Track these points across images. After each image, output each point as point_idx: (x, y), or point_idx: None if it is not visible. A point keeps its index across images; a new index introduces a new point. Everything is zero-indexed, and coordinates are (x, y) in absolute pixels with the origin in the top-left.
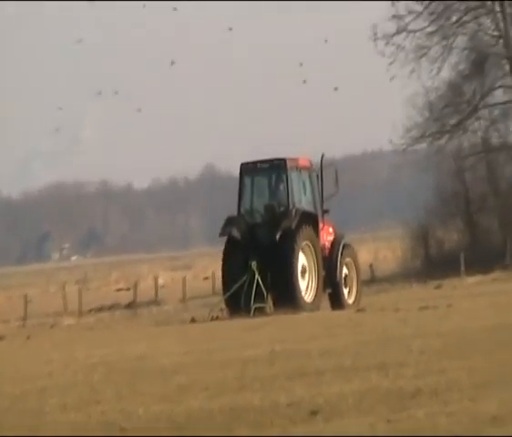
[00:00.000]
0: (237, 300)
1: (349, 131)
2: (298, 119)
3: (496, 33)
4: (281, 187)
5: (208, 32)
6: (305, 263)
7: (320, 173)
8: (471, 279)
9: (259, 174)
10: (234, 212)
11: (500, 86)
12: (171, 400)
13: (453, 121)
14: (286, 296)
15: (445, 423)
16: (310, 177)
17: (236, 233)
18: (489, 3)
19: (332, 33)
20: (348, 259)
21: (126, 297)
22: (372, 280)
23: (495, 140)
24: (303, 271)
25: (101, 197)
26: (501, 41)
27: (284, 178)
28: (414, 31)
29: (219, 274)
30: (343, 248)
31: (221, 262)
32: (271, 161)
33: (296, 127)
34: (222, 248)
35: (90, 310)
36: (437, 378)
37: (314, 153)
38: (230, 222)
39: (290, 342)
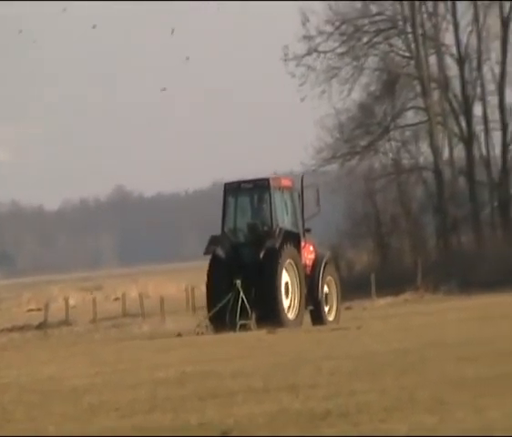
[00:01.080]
0: (222, 317)
1: (259, 153)
2: (205, 143)
3: (407, 54)
4: (265, 206)
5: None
6: (288, 281)
7: (301, 193)
8: (382, 301)
9: (242, 193)
10: (144, 233)
11: (411, 108)
12: (82, 420)
13: (364, 142)
14: (270, 313)
15: None
16: (292, 196)
17: (220, 252)
18: (400, 24)
19: (242, 53)
20: (329, 277)
21: (37, 317)
22: None
23: (406, 162)
24: (286, 289)
25: (12, 218)
26: (412, 62)
27: (267, 198)
28: (325, 52)
29: (130, 295)
30: (325, 266)
31: (206, 279)
32: (254, 181)
33: (204, 150)
34: (207, 266)
35: (1, 331)
36: (348, 399)
37: (224, 176)
38: (214, 241)
39: (201, 364)
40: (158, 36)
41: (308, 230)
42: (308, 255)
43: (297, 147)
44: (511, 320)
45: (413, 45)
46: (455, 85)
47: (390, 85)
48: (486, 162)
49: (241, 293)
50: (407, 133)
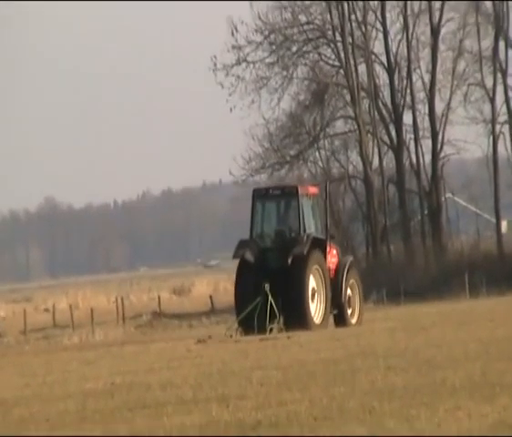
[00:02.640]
0: (250, 321)
1: (189, 163)
2: (134, 153)
3: (336, 63)
4: (292, 213)
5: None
6: (315, 286)
7: (326, 199)
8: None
9: (270, 200)
10: (73, 244)
11: (341, 117)
12: (12, 432)
13: (293, 152)
14: (297, 318)
15: None
16: (317, 203)
17: (249, 256)
18: (330, 33)
19: (170, 62)
20: (352, 281)
21: None
22: (211, 311)
23: (335, 171)
24: (313, 294)
25: None
26: (341, 71)
27: (296, 205)
28: (254, 62)
29: (59, 306)
30: (348, 270)
31: (234, 283)
32: (282, 188)
33: (132, 161)
34: (235, 269)
35: None
36: (277, 410)
37: (153, 187)
38: (243, 245)
39: (130, 375)
40: (87, 41)
41: (332, 237)
42: (332, 259)
43: (226, 158)
44: (440, 328)
45: (342, 54)
46: (385, 93)
47: (319, 94)
48: (416, 170)
49: (270, 297)
50: (337, 142)
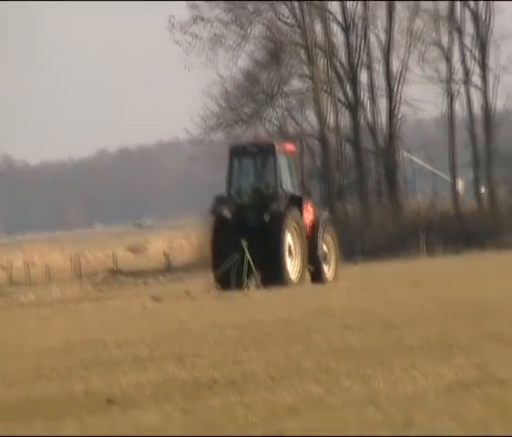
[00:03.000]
0: (227, 277)
1: (144, 121)
2: (91, 111)
3: (293, 21)
4: (269, 170)
5: None
6: (291, 243)
7: (301, 156)
8: None
9: (247, 156)
10: (29, 201)
11: (297, 75)
12: None
13: (249, 110)
14: (274, 274)
15: (242, 413)
16: (294, 160)
17: (226, 213)
18: None
19: (128, 18)
20: (328, 237)
21: None
22: (167, 269)
23: (291, 129)
24: (290, 251)
25: None
26: (298, 30)
27: (272, 162)
28: (211, 20)
29: (15, 264)
30: (324, 227)
31: (211, 240)
32: (259, 144)
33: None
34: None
35: None
36: (233, 369)
37: (109, 145)
38: (219, 201)
39: (86, 333)
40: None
41: (309, 194)
42: (308, 216)
43: (183, 116)
44: (396, 288)
45: (298, 13)
46: (342, 52)
47: (276, 53)
48: (372, 129)
49: (247, 254)
50: (293, 101)
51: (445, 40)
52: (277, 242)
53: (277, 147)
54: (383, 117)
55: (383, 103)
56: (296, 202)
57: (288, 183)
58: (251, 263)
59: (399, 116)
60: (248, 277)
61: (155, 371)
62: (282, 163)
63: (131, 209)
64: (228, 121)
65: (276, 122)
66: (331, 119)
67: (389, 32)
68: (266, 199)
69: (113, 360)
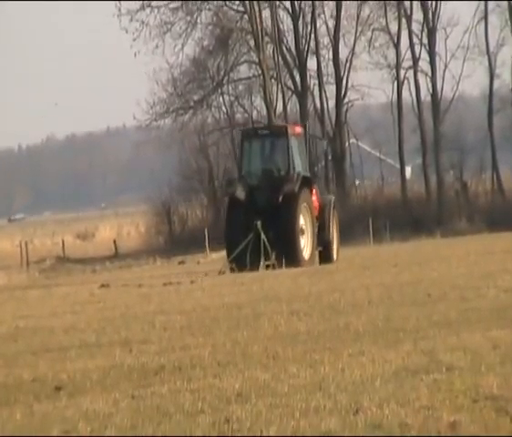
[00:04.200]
0: (242, 258)
1: (91, 108)
2: (38, 98)
3: (240, 8)
4: (281, 152)
5: None
6: (303, 223)
7: (308, 139)
8: (215, 255)
9: (259, 139)
10: None
11: (245, 62)
12: None
13: (197, 97)
14: (288, 254)
15: (190, 400)
16: (302, 142)
17: (240, 194)
18: None
19: (74, 4)
20: (334, 220)
21: None
22: (115, 256)
23: (239, 116)
24: (302, 231)
25: None
26: (246, 16)
27: (285, 144)
28: (159, 7)
29: None
30: (333, 209)
31: (225, 221)
32: (271, 127)
33: (36, 105)
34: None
35: None
36: (180, 355)
37: (57, 132)
38: (232, 183)
39: (33, 318)
40: None
41: (316, 175)
42: (315, 197)
43: (130, 102)
44: (343, 273)
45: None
46: (289, 39)
47: (223, 39)
48: (320, 116)
49: (262, 234)
50: (240, 87)
51: (393, 26)
52: (291, 222)
53: (289, 129)
54: (330, 104)
55: (330, 89)
56: (306, 183)
57: (299, 165)
58: (267, 243)
59: (347, 102)
60: (263, 256)
61: (102, 357)
62: (294, 145)
63: (78, 196)
64: (175, 107)
65: (224, 109)
66: (279, 106)
67: (337, 18)
68: (279, 181)
69: (60, 346)
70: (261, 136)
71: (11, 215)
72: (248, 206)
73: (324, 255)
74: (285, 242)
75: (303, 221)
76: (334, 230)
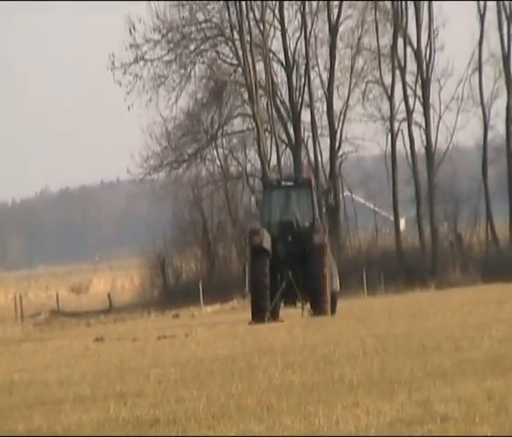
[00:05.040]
0: (264, 308)
1: (85, 161)
2: (32, 152)
3: (234, 61)
4: (305, 203)
5: None
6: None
7: (317, 189)
8: (209, 308)
9: (282, 190)
10: None
11: (239, 115)
12: None
13: (191, 150)
14: (317, 303)
15: None
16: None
17: (266, 244)
18: (228, 31)
19: (68, 58)
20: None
21: None
22: (109, 310)
23: (233, 169)
24: None
25: None
26: (239, 69)
27: (309, 196)
28: (152, 60)
29: None
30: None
31: (250, 270)
32: (295, 179)
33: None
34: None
35: None
36: (175, 407)
37: (51, 185)
38: (256, 233)
39: (28, 372)
40: None
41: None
42: None
43: (124, 156)
44: (337, 325)
45: (240, 53)
46: (283, 91)
47: (217, 92)
48: (314, 168)
49: (294, 284)
50: (234, 140)
51: (387, 78)
52: (321, 272)
53: (312, 181)
54: (324, 156)
55: (324, 141)
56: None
57: (316, 214)
58: (298, 292)
59: (340, 154)
60: (290, 304)
61: (96, 410)
62: (315, 197)
63: (72, 248)
64: (169, 161)
65: (218, 161)
66: (273, 158)
67: (331, 71)
68: (303, 231)
69: (55, 399)
70: (284, 187)
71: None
72: (273, 255)
73: (332, 305)
74: (314, 291)
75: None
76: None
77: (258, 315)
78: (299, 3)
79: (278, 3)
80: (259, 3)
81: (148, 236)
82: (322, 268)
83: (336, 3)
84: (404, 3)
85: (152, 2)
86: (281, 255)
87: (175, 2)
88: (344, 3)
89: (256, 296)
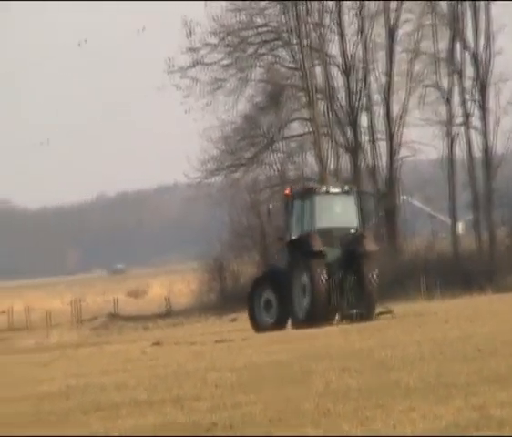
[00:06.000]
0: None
1: (144, 164)
2: (90, 155)
3: (292, 65)
4: (351, 210)
5: None
6: None
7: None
8: None
9: (328, 198)
10: (28, 246)
11: (297, 119)
12: None
13: (248, 154)
14: (369, 309)
15: None
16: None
17: (328, 251)
18: (285, 35)
19: (126, 61)
20: None
21: None
22: (167, 314)
23: (291, 173)
24: None
25: None
26: (298, 73)
27: (354, 203)
28: (210, 64)
29: (14, 309)
30: None
31: (316, 277)
32: (341, 187)
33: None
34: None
35: None
36: (232, 412)
37: (108, 189)
38: (312, 238)
39: (84, 377)
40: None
41: None
42: None
43: (181, 159)
44: (394, 329)
45: (298, 56)
46: (341, 95)
47: (275, 96)
48: (372, 172)
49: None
50: (292, 144)
51: (444, 82)
52: (373, 279)
53: (357, 189)
54: (382, 160)
55: (382, 145)
56: None
57: (361, 222)
58: (351, 297)
59: (399, 158)
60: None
61: (153, 415)
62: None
63: (128, 253)
64: (227, 165)
65: (276, 166)
66: (331, 163)
67: (389, 75)
68: (355, 239)
69: (111, 403)
70: (330, 194)
71: (110, 265)
72: (329, 262)
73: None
74: (366, 298)
75: None
76: None
77: (318, 318)
78: (357, 7)
79: (336, 6)
80: (317, 6)
81: (205, 240)
82: (373, 274)
83: (394, 6)
84: (461, 5)
85: (209, 4)
86: (331, 260)
87: (232, 5)
88: (402, 7)
89: (318, 299)
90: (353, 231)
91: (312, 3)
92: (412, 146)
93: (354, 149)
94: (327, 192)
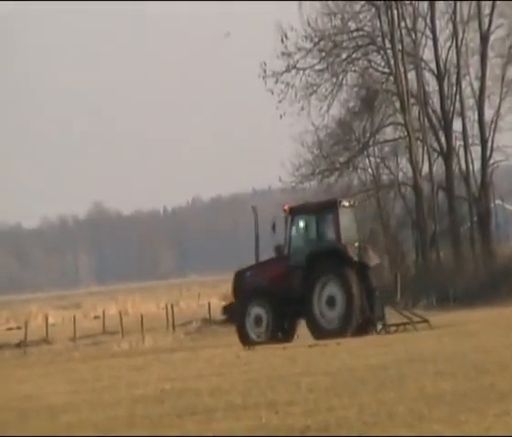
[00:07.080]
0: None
1: (238, 169)
2: (184, 160)
3: (386, 70)
4: (355, 223)
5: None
6: None
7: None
8: None
9: (345, 211)
10: (122, 250)
11: (390, 124)
12: None
13: (343, 159)
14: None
15: None
16: None
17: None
18: (379, 40)
19: (219, 65)
20: None
21: (16, 336)
22: None
23: (385, 177)
24: None
25: None
26: (391, 78)
27: (356, 216)
28: (304, 68)
29: (108, 313)
30: None
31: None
32: (350, 200)
33: (183, 167)
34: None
35: None
36: (326, 415)
37: (202, 193)
38: (347, 248)
39: (179, 381)
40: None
41: None
42: None
43: (275, 164)
44: (488, 334)
45: (392, 61)
46: (435, 100)
47: (369, 101)
48: (466, 177)
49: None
50: (386, 149)
51: None
52: (375, 290)
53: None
54: (476, 165)
55: (476, 150)
56: None
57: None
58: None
59: (492, 163)
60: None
61: (248, 419)
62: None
63: (223, 257)
64: (321, 169)
65: (369, 170)
66: (424, 167)
67: (482, 80)
68: (359, 250)
69: (206, 407)
70: (345, 207)
71: (203, 270)
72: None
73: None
74: (373, 310)
75: None
76: None
77: (352, 327)
78: (450, 12)
79: (429, 12)
80: (410, 11)
81: None
82: (376, 286)
83: (487, 11)
84: None
85: (303, 7)
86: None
87: (326, 10)
88: (495, 11)
89: (354, 309)
90: (356, 244)
91: (406, 6)
92: (505, 150)
93: (447, 154)
94: (343, 206)
